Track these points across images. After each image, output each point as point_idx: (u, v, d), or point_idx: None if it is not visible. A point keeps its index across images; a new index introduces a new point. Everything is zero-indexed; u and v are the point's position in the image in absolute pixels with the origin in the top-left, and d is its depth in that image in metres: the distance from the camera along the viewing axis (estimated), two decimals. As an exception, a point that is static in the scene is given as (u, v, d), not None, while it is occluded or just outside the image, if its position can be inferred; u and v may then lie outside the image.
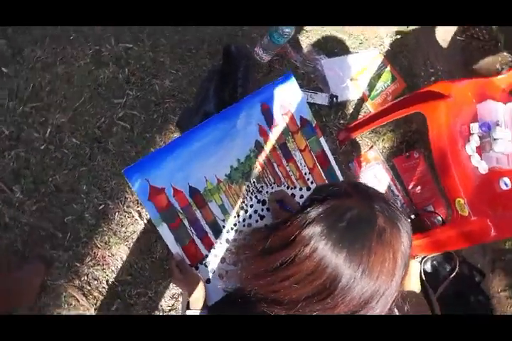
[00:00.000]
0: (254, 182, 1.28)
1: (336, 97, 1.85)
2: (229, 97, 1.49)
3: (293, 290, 0.81)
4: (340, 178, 1.43)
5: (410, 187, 1.93)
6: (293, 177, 1.32)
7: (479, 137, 1.41)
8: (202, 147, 1.19)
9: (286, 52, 1.79)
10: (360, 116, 1.92)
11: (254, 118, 1.24)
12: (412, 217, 1.88)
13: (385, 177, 1.91)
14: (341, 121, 1.87)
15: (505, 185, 1.39)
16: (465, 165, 1.39)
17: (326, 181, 1.37)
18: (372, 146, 1.92)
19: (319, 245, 0.76)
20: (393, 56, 2.05)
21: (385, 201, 0.82)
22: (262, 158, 1.28)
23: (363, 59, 1.96)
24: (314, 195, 0.85)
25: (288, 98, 1.31)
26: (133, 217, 1.54)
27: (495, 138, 1.40)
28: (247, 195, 1.28)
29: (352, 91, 1.92)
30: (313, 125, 1.35)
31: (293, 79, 1.31)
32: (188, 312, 1.14)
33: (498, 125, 1.40)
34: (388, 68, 1.99)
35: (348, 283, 0.75)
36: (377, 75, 1.97)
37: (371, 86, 1.95)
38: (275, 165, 1.29)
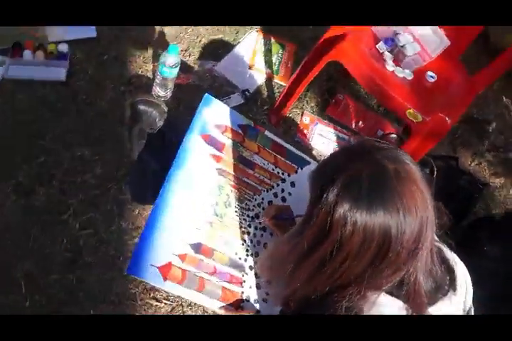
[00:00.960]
0: (238, 205, 1.22)
1: (248, 90, 1.78)
2: (164, 149, 1.43)
3: (354, 267, 0.78)
4: (301, 154, 1.40)
5: (354, 126, 1.90)
6: (266, 180, 1.27)
7: (390, 52, 1.44)
8: (176, 206, 1.11)
9: (180, 78, 1.70)
10: (276, 94, 1.85)
11: (203, 152, 1.19)
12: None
13: (329, 132, 1.86)
14: (265, 107, 1.80)
15: (432, 77, 1.46)
16: (395, 81, 1.41)
17: (294, 165, 1.33)
18: (303, 112, 1.88)
19: (356, 218, 0.74)
20: (267, 26, 1.97)
21: (378, 147, 0.79)
22: (230, 180, 1.22)
23: (248, 44, 1.89)
24: (319, 181, 0.80)
25: (218, 116, 1.25)
26: (151, 305, 1.40)
27: (401, 45, 1.43)
28: (240, 218, 1.21)
29: (257, 77, 1.85)
30: (253, 125, 1.31)
31: (210, 97, 1.27)
32: None
33: (397, 34, 1.44)
34: (272, 39, 1.93)
35: (398, 231, 0.74)
36: (268, 50, 1.91)
37: (269, 63, 1.89)
38: (245, 179, 1.23)
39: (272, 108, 1.80)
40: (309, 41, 1.93)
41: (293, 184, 1.33)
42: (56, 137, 1.56)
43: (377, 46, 1.42)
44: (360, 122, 1.90)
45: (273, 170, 1.30)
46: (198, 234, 1.13)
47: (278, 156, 1.33)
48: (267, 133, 1.33)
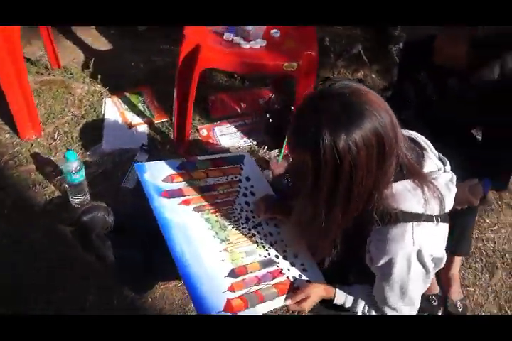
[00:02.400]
0: (229, 222, 1.27)
1: (143, 145, 1.81)
2: (131, 234, 1.42)
3: (370, 176, 0.88)
4: (231, 155, 1.48)
5: (240, 110, 2.00)
6: (229, 190, 1.34)
7: (236, 36, 1.54)
8: (191, 257, 1.15)
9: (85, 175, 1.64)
10: (167, 130, 1.90)
11: (173, 206, 1.25)
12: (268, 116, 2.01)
13: (227, 128, 1.95)
14: (168, 146, 1.85)
15: (276, 32, 1.61)
16: (258, 53, 1.53)
17: (236, 166, 1.38)
18: (197, 129, 1.93)
19: (354, 138, 0.84)
20: (112, 86, 2.01)
21: (325, 88, 0.90)
22: (209, 209, 1.28)
23: (111, 112, 1.91)
24: (307, 139, 0.87)
25: (157, 173, 1.31)
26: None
27: (245, 28, 1.53)
28: (240, 230, 1.27)
29: (140, 130, 1.89)
30: (186, 160, 1.38)
31: (139, 164, 1.32)
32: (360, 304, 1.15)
33: None
34: (126, 94, 1.97)
35: (382, 126, 0.86)
36: (131, 104, 1.95)
37: (140, 113, 1.93)
38: (216, 201, 1.30)
39: (174, 143, 1.84)
40: (152, 76, 2.04)
41: (248, 178, 1.41)
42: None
43: (224, 38, 1.53)
44: (242, 104, 2.01)
45: (227, 179, 1.37)
46: (225, 264, 1.18)
47: (221, 168, 1.39)
48: (199, 158, 1.41)
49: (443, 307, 1.50)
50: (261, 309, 1.12)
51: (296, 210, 1.06)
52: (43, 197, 1.68)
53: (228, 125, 1.96)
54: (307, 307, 1.15)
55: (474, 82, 1.37)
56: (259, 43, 1.52)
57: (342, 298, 1.15)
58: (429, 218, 0.97)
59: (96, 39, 2.24)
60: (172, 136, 1.86)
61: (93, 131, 1.87)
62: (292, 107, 1.76)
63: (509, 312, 1.60)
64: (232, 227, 1.27)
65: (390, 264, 0.99)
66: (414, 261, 0.98)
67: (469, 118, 1.48)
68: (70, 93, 1.96)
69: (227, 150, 1.89)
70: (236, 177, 1.39)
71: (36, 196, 1.68)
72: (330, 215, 0.94)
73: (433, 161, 1.02)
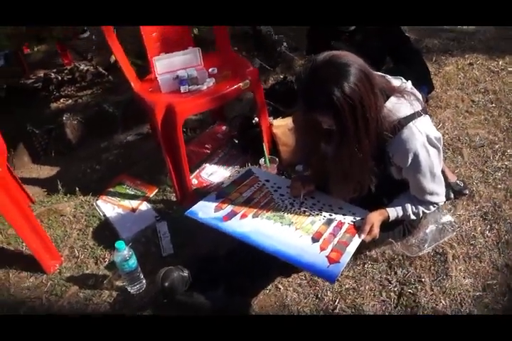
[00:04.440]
0: (282, 211, 1.55)
1: (156, 216, 1.96)
2: (215, 277, 1.59)
3: (373, 107, 1.20)
4: (240, 173, 1.76)
5: (210, 151, 2.24)
6: (263, 194, 1.62)
7: (190, 85, 1.84)
8: (278, 244, 1.42)
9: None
10: (163, 197, 2.08)
11: (235, 222, 1.51)
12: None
13: (209, 167, 2.18)
14: (174, 207, 2.01)
15: (214, 70, 1.94)
16: (217, 88, 1.86)
17: (252, 177, 1.69)
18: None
19: (353, 81, 1.15)
20: (93, 192, 2.13)
21: (313, 64, 1.19)
22: (263, 212, 1.55)
23: (108, 209, 2.04)
24: (322, 103, 1.17)
25: (207, 208, 1.57)
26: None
27: (187, 77, 1.85)
28: (293, 212, 1.54)
29: (145, 207, 2.03)
30: (218, 192, 1.65)
31: (190, 211, 1.57)
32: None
33: (177, 77, 1.85)
34: (109, 189, 2.11)
35: (363, 67, 1.18)
36: (121, 195, 2.10)
37: (133, 196, 2.09)
38: (261, 204, 1.58)
39: (178, 201, 2.03)
40: (117, 166, 2.23)
41: (267, 180, 1.69)
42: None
43: (181, 91, 1.83)
44: (207, 146, 2.25)
45: (255, 188, 1.65)
46: (305, 237, 1.46)
47: (243, 183, 1.69)
48: (224, 185, 1.71)
49: (451, 189, 1.87)
50: (350, 249, 1.41)
51: (334, 167, 1.35)
52: (104, 304, 1.73)
53: (209, 165, 2.19)
54: (377, 231, 1.44)
55: (374, 32, 2.03)
56: (210, 82, 1.83)
57: (394, 212, 1.46)
58: (418, 114, 1.29)
59: (36, 170, 2.40)
60: (173, 197, 2.04)
61: (105, 232, 1.97)
62: (256, 119, 2.08)
63: (490, 163, 2.05)
64: (288, 214, 1.54)
65: (416, 158, 1.30)
66: (428, 145, 1.30)
67: (379, 53, 2.10)
68: (62, 215, 2.06)
69: (221, 179, 2.13)
70: (259, 184, 1.68)
71: (98, 307, 1.72)
72: (362, 148, 1.23)
73: (393, 78, 1.36)
